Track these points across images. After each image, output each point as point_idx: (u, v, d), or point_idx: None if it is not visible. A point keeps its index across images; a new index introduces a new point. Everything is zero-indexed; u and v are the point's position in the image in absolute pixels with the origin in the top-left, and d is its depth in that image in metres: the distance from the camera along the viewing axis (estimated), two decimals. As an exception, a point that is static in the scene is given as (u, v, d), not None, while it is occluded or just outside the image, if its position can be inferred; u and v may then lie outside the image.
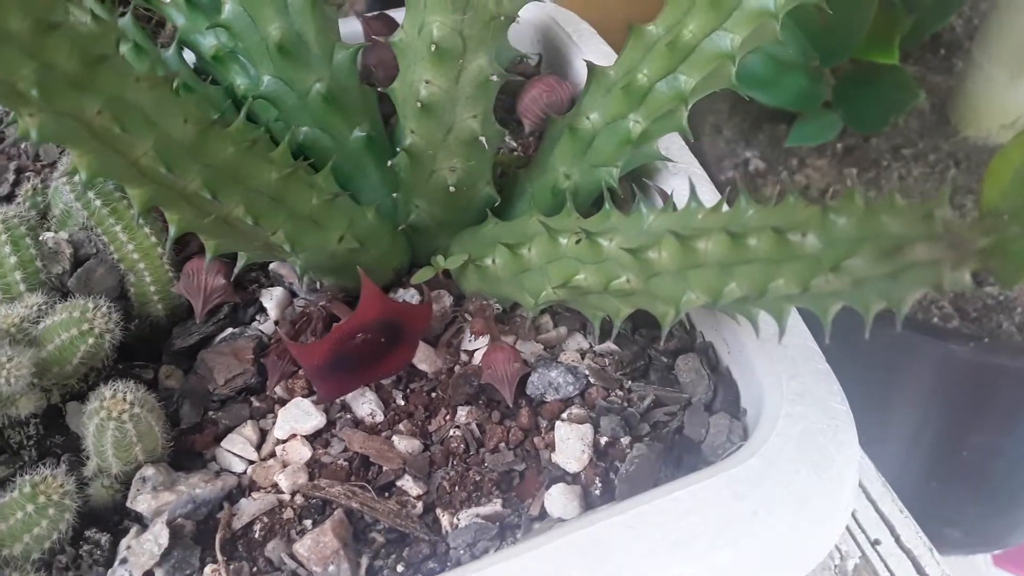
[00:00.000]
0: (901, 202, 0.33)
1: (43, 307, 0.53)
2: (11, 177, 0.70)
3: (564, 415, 0.54)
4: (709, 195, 0.61)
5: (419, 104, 0.54)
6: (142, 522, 0.50)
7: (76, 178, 0.55)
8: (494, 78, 0.54)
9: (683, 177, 0.60)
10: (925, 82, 1.27)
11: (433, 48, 0.51)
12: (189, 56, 0.68)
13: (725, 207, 0.43)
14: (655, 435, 0.53)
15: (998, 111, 1.18)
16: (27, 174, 0.71)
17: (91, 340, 0.51)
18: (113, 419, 0.48)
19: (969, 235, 0.30)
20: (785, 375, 0.49)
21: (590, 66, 0.58)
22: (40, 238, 0.56)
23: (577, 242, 0.49)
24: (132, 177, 0.43)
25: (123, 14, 0.67)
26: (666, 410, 0.54)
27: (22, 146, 0.73)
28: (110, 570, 0.48)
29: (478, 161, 0.58)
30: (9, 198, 0.68)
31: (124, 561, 0.48)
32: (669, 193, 0.57)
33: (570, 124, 0.58)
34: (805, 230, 0.35)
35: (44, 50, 0.36)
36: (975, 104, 1.18)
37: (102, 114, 0.39)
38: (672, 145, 0.63)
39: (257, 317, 0.61)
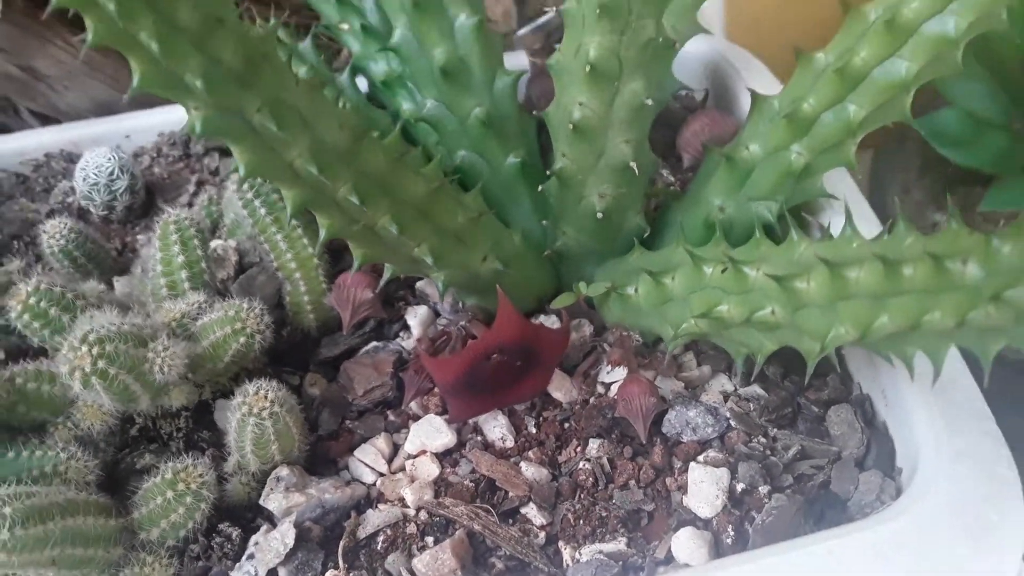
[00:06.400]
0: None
1: (203, 305, 0.55)
2: (192, 188, 0.75)
3: (700, 457, 0.51)
4: (874, 229, 0.57)
5: (571, 126, 0.53)
6: (272, 521, 0.51)
7: (244, 187, 0.58)
8: (649, 102, 0.53)
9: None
10: None
11: (588, 69, 0.51)
12: (362, 84, 0.71)
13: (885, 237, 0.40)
14: (798, 488, 0.49)
15: None
16: (205, 187, 0.75)
17: (242, 339, 0.53)
18: (254, 415, 0.49)
19: None
20: (947, 432, 0.44)
21: (753, 95, 0.56)
22: (209, 243, 0.59)
23: (723, 271, 0.46)
24: (287, 178, 0.45)
25: (304, 37, 0.71)
26: (813, 463, 0.50)
27: (204, 161, 0.78)
28: (237, 564, 0.49)
29: (629, 189, 0.57)
30: (189, 208, 0.73)
31: (251, 557, 0.49)
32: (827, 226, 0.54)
33: (728, 154, 0.56)
34: (966, 257, 0.32)
35: (211, 44, 0.38)
36: None
37: (261, 111, 0.41)
38: (840, 184, 0.59)
39: (401, 334, 0.62)
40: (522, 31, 0.95)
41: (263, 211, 0.59)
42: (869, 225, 0.57)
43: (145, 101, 0.83)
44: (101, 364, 0.47)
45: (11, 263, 0.58)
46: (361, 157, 0.47)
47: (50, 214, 0.72)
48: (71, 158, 0.79)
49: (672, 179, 0.70)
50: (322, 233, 0.49)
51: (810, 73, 0.52)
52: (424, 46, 0.62)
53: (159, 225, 0.58)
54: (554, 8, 0.96)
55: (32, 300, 0.52)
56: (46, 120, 0.87)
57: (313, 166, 0.44)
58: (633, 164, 0.55)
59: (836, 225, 0.56)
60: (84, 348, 0.47)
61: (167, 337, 0.51)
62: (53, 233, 0.62)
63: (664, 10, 0.51)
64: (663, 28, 0.51)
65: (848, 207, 0.44)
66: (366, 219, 0.49)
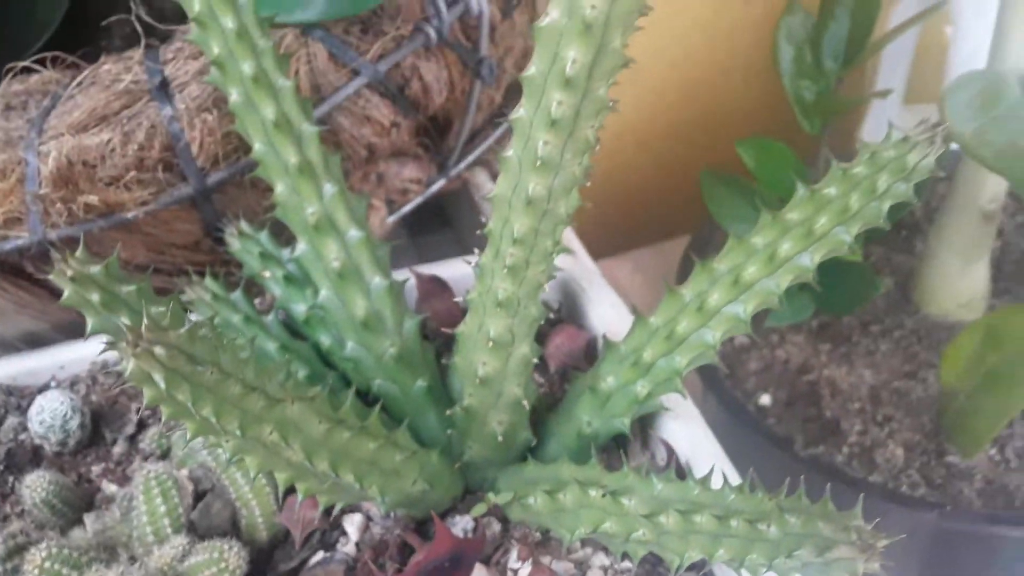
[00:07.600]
0: (832, 509, 0.49)
1: (186, 547, 0.68)
2: (134, 418, 0.85)
3: (594, 627, 0.68)
4: (700, 432, 0.78)
5: (478, 380, 0.71)
6: None
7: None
8: (535, 360, 0.71)
9: (681, 421, 0.77)
10: (889, 262, 1.42)
11: (491, 344, 0.68)
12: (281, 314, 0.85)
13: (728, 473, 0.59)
14: (666, 642, 0.68)
15: (953, 293, 1.31)
16: (147, 414, 0.86)
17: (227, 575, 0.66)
18: (252, 644, 0.62)
19: (873, 539, 0.46)
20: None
21: (606, 340, 0.76)
22: (180, 489, 0.71)
23: (603, 495, 0.64)
24: (282, 467, 0.59)
25: (236, 285, 0.84)
26: (674, 620, 0.69)
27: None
28: None
29: (520, 417, 0.74)
30: (133, 437, 0.84)
31: None
32: (671, 446, 0.73)
33: (591, 385, 0.75)
34: (768, 522, 0.51)
35: (245, 403, 0.53)
36: (933, 286, 1.32)
37: (272, 433, 0.55)
38: (673, 396, 0.79)
39: (340, 539, 0.76)
40: (391, 219, 1.12)
41: (225, 457, 0.72)
42: (695, 429, 0.78)
43: (73, 330, 0.93)
44: (132, 626, 0.59)
45: (12, 525, 0.68)
46: (333, 439, 0.62)
47: (8, 454, 0.81)
48: (9, 391, 0.87)
49: (542, 380, 0.88)
50: (300, 495, 0.63)
51: (646, 332, 0.72)
52: (346, 305, 0.77)
53: (141, 480, 0.70)
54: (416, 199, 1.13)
55: (47, 564, 0.63)
56: (-32, 348, 0.95)
57: (304, 458, 0.58)
58: (524, 401, 0.72)
59: (674, 430, 0.77)
60: (117, 615, 0.59)
61: (173, 588, 0.63)
62: (35, 487, 0.72)
63: (539, 296, 0.69)
64: (541, 310, 0.69)
65: (690, 464, 0.63)
66: (334, 480, 0.63)
